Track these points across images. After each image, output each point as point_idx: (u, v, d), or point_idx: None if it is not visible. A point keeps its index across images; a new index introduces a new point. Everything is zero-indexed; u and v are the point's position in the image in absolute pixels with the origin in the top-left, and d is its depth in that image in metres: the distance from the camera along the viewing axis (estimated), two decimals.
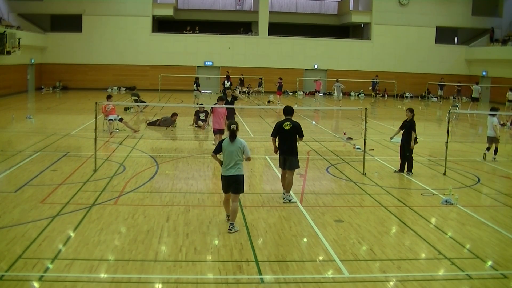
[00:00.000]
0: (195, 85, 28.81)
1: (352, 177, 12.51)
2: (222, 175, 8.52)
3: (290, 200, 10.10)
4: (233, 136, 8.38)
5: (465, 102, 33.88)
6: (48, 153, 14.41)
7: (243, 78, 38.19)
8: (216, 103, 15.39)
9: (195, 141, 18.06)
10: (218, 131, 15.07)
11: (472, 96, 30.79)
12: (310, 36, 41.57)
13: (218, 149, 8.63)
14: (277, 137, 10.22)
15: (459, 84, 36.11)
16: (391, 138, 13.87)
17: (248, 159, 8.53)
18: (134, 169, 12.68)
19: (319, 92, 36.63)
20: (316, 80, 36.50)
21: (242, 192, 8.57)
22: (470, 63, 41.21)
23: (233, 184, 8.38)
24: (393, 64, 40.84)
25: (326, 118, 26.73)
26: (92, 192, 10.46)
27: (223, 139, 8.60)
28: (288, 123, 10.02)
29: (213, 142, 15.88)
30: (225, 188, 8.52)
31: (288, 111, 10.25)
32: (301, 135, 10.12)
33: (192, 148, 16.55)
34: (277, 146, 10.27)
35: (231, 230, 8.31)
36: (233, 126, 8.35)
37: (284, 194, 10.24)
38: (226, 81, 32.77)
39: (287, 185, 10.12)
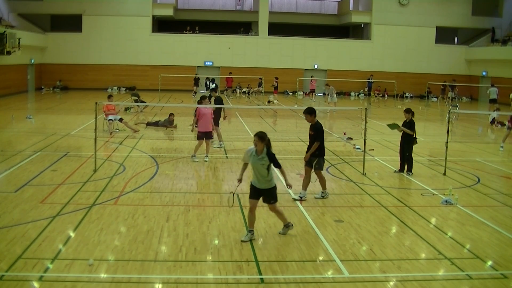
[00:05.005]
0: (207, 84, 28.16)
1: (352, 177, 12.51)
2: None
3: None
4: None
5: (464, 102, 33.88)
6: (48, 153, 14.41)
7: (231, 76, 37.64)
8: (201, 103, 14.08)
9: (195, 141, 17.99)
10: (203, 135, 13.79)
11: (490, 98, 30.49)
12: (310, 36, 41.53)
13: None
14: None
15: (444, 83, 36.31)
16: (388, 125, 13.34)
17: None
18: (134, 169, 12.68)
19: (314, 91, 36.50)
20: (311, 80, 36.56)
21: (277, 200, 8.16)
22: (470, 63, 41.19)
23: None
24: (393, 64, 40.81)
25: (326, 118, 26.68)
26: (92, 192, 10.46)
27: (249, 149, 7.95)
28: None
29: (194, 154, 14.09)
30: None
31: None
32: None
33: (192, 148, 16.49)
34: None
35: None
36: None
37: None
38: (209, 81, 29.80)
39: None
